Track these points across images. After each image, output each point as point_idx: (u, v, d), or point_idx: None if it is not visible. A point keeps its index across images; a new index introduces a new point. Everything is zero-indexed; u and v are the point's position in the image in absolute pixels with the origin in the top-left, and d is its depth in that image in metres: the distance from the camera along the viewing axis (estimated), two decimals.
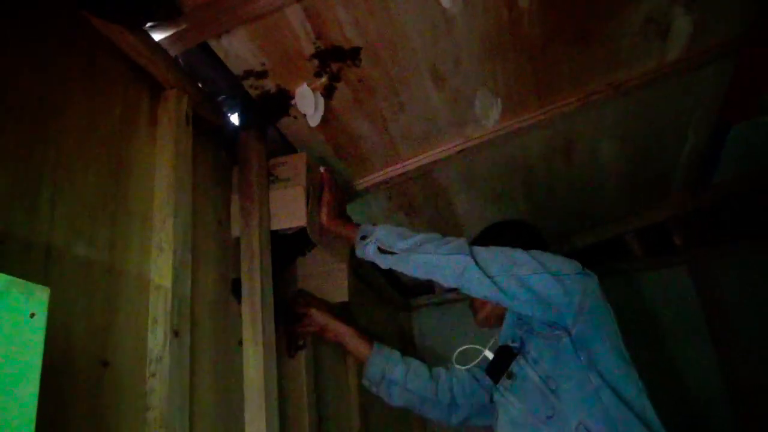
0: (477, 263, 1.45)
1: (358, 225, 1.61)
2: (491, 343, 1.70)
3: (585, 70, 1.58)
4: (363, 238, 1.57)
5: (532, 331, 1.55)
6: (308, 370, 1.66)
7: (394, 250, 1.52)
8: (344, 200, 1.74)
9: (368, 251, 1.56)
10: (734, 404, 2.46)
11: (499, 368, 1.60)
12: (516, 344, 1.58)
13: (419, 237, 1.53)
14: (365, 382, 1.83)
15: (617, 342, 1.48)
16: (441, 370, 1.84)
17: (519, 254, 1.49)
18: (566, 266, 1.48)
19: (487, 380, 1.66)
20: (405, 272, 1.54)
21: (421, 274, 1.52)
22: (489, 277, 1.44)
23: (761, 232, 2.57)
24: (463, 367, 1.75)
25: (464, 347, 1.77)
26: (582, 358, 1.44)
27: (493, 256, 1.48)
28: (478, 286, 1.46)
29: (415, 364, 1.83)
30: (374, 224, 1.59)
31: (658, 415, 1.41)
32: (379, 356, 1.80)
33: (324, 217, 1.61)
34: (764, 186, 2.39)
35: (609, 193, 2.29)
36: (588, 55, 1.53)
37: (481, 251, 1.48)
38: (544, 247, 1.64)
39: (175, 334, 1.11)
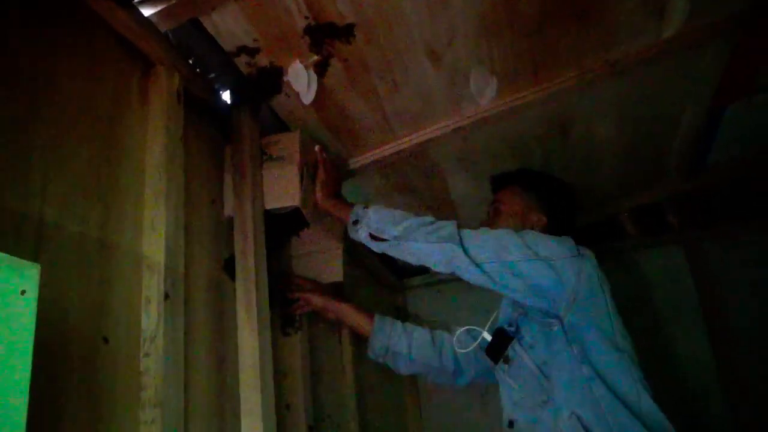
0: (465, 250, 1.45)
1: (352, 205, 1.61)
2: (489, 324, 1.71)
3: (581, 47, 1.57)
4: (355, 222, 1.57)
5: (527, 315, 1.56)
6: (303, 349, 1.67)
7: (385, 237, 1.52)
8: (339, 179, 1.73)
9: (360, 236, 1.56)
10: (728, 388, 2.47)
11: (497, 351, 1.61)
12: (512, 328, 1.59)
13: (410, 222, 1.52)
14: (371, 355, 1.86)
15: (610, 329, 1.47)
16: (444, 337, 1.86)
17: (510, 238, 1.48)
18: (559, 250, 1.48)
19: (488, 360, 1.67)
20: (397, 258, 1.55)
21: (412, 261, 1.53)
22: (477, 264, 1.44)
23: (757, 214, 2.58)
24: (463, 351, 1.76)
25: (463, 329, 1.78)
26: (574, 350, 1.44)
27: (483, 241, 1.48)
28: (467, 274, 1.47)
29: (418, 333, 1.85)
30: (366, 207, 1.58)
31: (656, 401, 1.41)
32: (381, 330, 1.82)
33: (318, 197, 1.60)
34: (760, 167, 2.39)
35: (605, 172, 2.29)
36: (585, 33, 1.52)
37: (470, 236, 1.48)
38: (571, 216, 1.70)
39: (169, 313, 1.11)
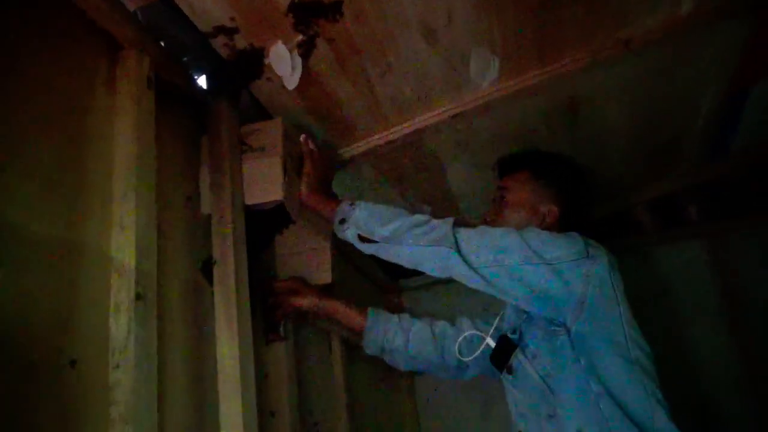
0: (462, 254, 1.42)
1: (340, 202, 1.59)
2: (493, 329, 1.71)
3: (592, 24, 1.57)
4: (341, 221, 1.55)
5: (531, 321, 1.54)
6: (289, 358, 1.66)
7: (374, 239, 1.50)
8: (328, 172, 1.72)
9: (348, 236, 1.55)
10: (751, 390, 2.49)
11: (501, 359, 1.60)
12: (515, 336, 1.58)
13: (401, 222, 1.50)
14: (367, 352, 1.85)
15: (622, 338, 1.44)
16: (447, 331, 1.84)
17: (511, 239, 1.45)
18: (566, 250, 1.45)
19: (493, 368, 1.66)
20: (389, 260, 1.54)
21: (405, 264, 1.52)
22: (475, 269, 1.42)
23: None
24: (466, 358, 1.75)
25: (466, 333, 1.77)
26: (582, 362, 1.42)
27: (482, 243, 1.45)
28: (465, 280, 1.46)
29: (417, 327, 1.84)
30: (352, 204, 1.56)
31: (672, 418, 1.39)
32: (375, 327, 1.82)
33: (302, 191, 1.59)
34: None
35: (617, 162, 2.29)
36: (595, 8, 1.52)
37: (467, 238, 1.46)
38: (587, 206, 1.68)
39: (141, 320, 1.10)
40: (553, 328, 1.47)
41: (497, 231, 1.49)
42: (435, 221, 1.49)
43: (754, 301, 2.57)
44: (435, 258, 1.46)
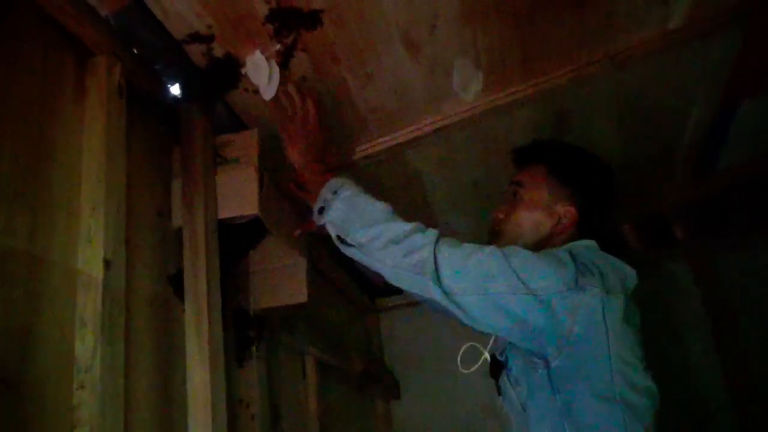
0: (440, 280, 1.33)
1: (331, 179, 1.48)
2: (492, 342, 1.63)
3: (579, 38, 1.59)
4: (321, 210, 1.46)
5: (514, 347, 1.48)
6: (261, 377, 1.66)
7: (350, 242, 1.41)
8: (323, 139, 1.58)
9: (327, 229, 1.46)
10: (738, 409, 2.53)
11: (495, 377, 1.58)
12: (502, 358, 1.55)
13: (380, 229, 1.39)
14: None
15: (607, 373, 1.33)
16: None
17: (496, 263, 1.34)
18: (554, 280, 1.33)
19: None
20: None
21: (384, 276, 1.44)
22: (453, 299, 1.33)
23: None
24: (466, 371, 1.71)
25: (467, 345, 1.73)
26: (558, 400, 1.35)
27: (464, 266, 1.34)
28: (443, 309, 1.37)
29: None
30: (335, 191, 1.45)
31: None
32: None
33: (295, 155, 1.50)
34: None
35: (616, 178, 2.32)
36: (582, 21, 1.54)
37: (449, 260, 1.34)
38: (608, 208, 1.60)
39: (107, 338, 1.10)
40: (533, 360, 1.39)
41: (482, 253, 1.36)
42: (416, 238, 1.37)
43: (743, 320, 2.61)
44: (413, 284, 1.37)
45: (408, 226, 1.39)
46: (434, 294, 1.34)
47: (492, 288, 1.32)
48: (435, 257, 1.34)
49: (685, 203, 2.65)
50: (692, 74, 1.81)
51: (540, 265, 1.35)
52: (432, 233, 1.39)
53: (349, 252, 1.44)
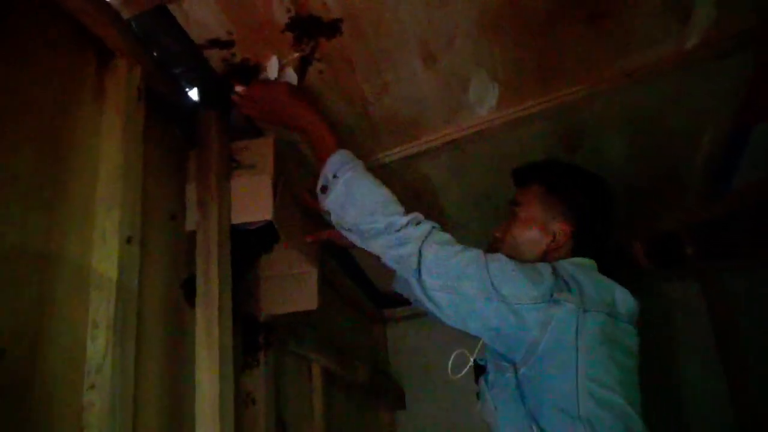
0: (420, 276, 1.38)
1: (337, 151, 1.50)
2: (477, 349, 1.66)
3: (595, 53, 1.59)
4: (324, 188, 1.48)
5: (489, 349, 1.52)
6: (268, 384, 1.66)
7: (345, 226, 1.46)
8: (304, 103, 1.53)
9: (327, 211, 1.50)
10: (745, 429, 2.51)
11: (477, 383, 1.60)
12: (482, 362, 1.57)
13: (375, 220, 1.41)
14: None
15: (573, 390, 1.32)
16: None
17: (475, 267, 1.38)
18: (527, 290, 1.35)
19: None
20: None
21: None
22: (428, 293, 1.39)
23: None
24: (455, 377, 1.72)
25: (457, 352, 1.74)
26: (525, 405, 1.37)
27: (444, 265, 1.39)
28: (421, 303, 1.44)
29: None
30: (335, 174, 1.46)
31: None
32: None
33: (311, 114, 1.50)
34: None
35: (616, 196, 2.31)
36: (599, 37, 1.54)
37: (434, 258, 1.39)
38: (604, 225, 1.61)
39: (119, 339, 1.10)
40: (502, 363, 1.43)
41: (465, 254, 1.40)
42: (407, 231, 1.41)
43: (750, 341, 2.60)
44: (400, 276, 1.45)
45: (404, 219, 1.42)
46: (414, 288, 1.40)
47: (463, 288, 1.37)
48: (420, 252, 1.39)
49: (697, 224, 2.65)
50: (707, 94, 1.80)
51: (516, 275, 1.39)
52: (424, 228, 1.43)
53: (344, 233, 1.49)
